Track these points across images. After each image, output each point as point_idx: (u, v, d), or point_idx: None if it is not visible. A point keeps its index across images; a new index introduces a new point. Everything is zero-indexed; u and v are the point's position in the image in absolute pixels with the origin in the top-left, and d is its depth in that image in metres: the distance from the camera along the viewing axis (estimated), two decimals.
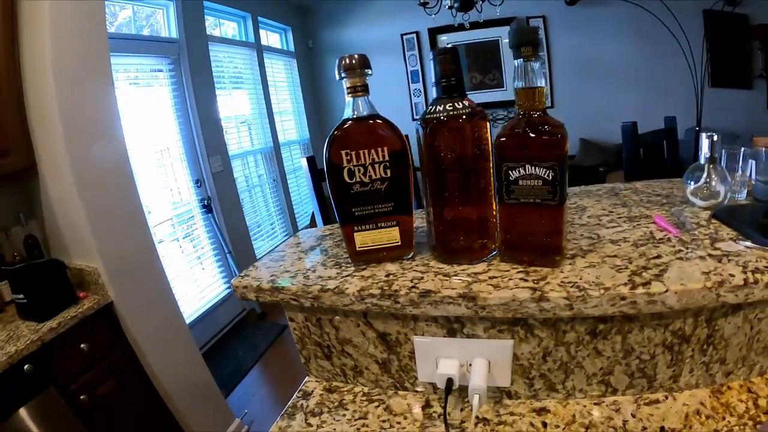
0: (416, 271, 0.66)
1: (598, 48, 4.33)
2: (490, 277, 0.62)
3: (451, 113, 0.61)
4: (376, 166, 0.64)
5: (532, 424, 0.63)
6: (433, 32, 4.75)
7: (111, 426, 1.60)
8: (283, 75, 4.63)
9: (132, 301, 1.71)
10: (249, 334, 3.27)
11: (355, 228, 0.68)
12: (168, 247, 2.89)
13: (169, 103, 3.07)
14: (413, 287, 0.61)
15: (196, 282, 3.11)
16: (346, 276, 0.68)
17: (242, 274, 0.75)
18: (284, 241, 0.92)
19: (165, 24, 3.12)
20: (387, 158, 0.64)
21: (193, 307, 3.03)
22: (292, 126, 4.72)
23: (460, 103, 0.61)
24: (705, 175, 0.79)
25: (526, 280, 0.59)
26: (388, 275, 0.66)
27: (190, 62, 3.17)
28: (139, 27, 3.00)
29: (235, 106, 3.76)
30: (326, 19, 5.02)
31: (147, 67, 2.94)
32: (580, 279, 0.57)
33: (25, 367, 1.30)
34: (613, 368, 0.62)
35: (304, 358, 0.81)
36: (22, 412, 1.29)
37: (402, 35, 4.87)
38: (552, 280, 0.58)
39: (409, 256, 0.71)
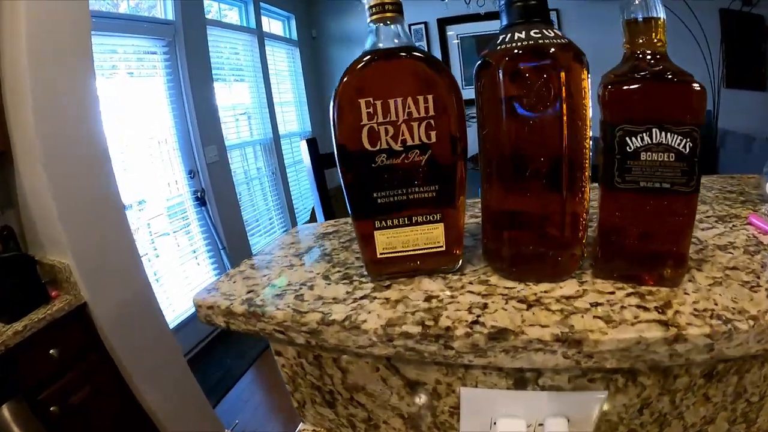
0: (473, 292, 0.43)
1: (613, 43, 4.11)
2: (591, 305, 0.39)
3: (539, 42, 0.38)
4: (414, 125, 0.41)
5: None
6: (443, 23, 4.52)
7: None
8: (285, 64, 4.40)
9: (108, 302, 1.56)
10: (238, 340, 3.04)
11: (377, 223, 0.44)
12: (157, 242, 2.68)
13: (162, 87, 2.85)
14: (476, 322, 0.37)
15: (186, 279, 2.89)
16: (361, 298, 0.44)
17: (208, 288, 0.52)
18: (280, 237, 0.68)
19: (161, 4, 2.89)
20: (431, 113, 0.41)
21: (183, 307, 2.81)
22: (294, 117, 4.50)
23: (550, 31, 0.39)
24: None
25: (647, 309, 0.39)
26: (428, 299, 0.42)
27: (187, 46, 2.95)
28: (134, 7, 2.78)
29: (233, 94, 3.55)
30: (331, 8, 4.79)
31: (139, 48, 2.72)
32: (716, 305, 0.39)
33: None
34: (716, 415, 0.47)
35: (297, 402, 0.59)
36: (5, 410, 1.21)
37: (410, 26, 4.63)
38: (680, 307, 0.39)
39: (456, 269, 0.48)
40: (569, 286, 0.43)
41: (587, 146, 0.42)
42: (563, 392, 0.44)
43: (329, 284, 0.47)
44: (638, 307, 0.39)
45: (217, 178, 3.18)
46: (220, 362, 2.77)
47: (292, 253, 0.60)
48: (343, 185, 0.44)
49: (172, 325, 2.48)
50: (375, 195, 0.43)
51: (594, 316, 0.37)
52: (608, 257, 0.44)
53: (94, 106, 1.56)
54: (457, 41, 4.32)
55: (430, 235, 0.44)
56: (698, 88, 0.37)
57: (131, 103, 2.57)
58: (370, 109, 0.41)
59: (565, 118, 0.40)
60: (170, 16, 2.91)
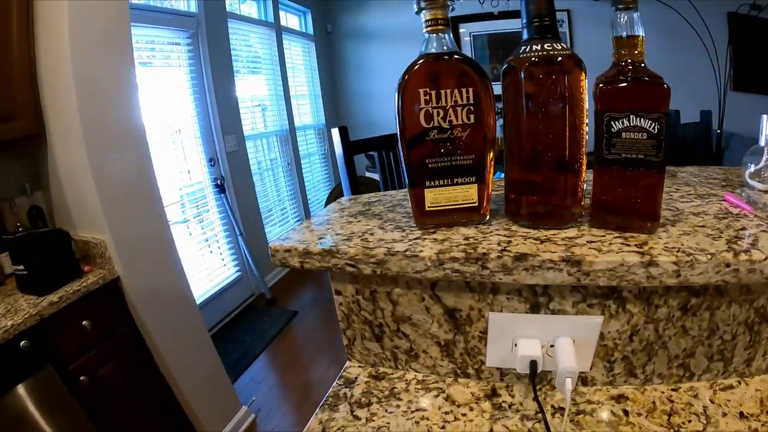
0: (499, 235, 0.56)
1: None
2: (587, 242, 0.52)
3: (551, 53, 0.51)
4: (459, 109, 0.54)
5: (613, 413, 0.57)
6: (456, 20, 4.61)
7: (111, 409, 1.50)
8: (300, 58, 4.52)
9: (140, 278, 1.62)
10: (257, 320, 3.17)
11: (428, 182, 0.57)
12: (178, 226, 2.81)
13: (185, 77, 2.97)
14: (504, 250, 0.51)
15: (205, 263, 3.03)
16: (415, 239, 0.57)
17: (282, 237, 0.65)
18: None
19: None
20: (471, 101, 0.54)
21: (202, 289, 2.94)
22: (308, 110, 4.62)
23: (558, 45, 0.52)
24: (765, 157, 0.74)
25: (628, 245, 0.52)
26: (467, 238, 0.56)
27: (209, 37, 3.07)
28: None
29: (251, 85, 3.66)
30: (346, 4, 4.89)
31: (164, 39, 2.84)
32: (682, 245, 0.51)
33: (22, 343, 1.20)
34: (695, 350, 0.58)
35: (348, 338, 0.72)
36: (21, 390, 1.21)
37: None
38: (654, 245, 0.51)
39: (484, 221, 0.61)
40: (571, 232, 0.56)
41: (584, 130, 0.55)
42: (569, 315, 0.56)
43: (386, 232, 0.61)
44: (622, 244, 0.52)
45: (236, 167, 3.30)
46: (227, 348, 2.84)
47: (347, 215, 0.74)
48: (402, 154, 0.57)
49: None
50: (427, 161, 0.56)
51: (589, 248, 0.50)
52: (600, 212, 0.57)
53: (133, 93, 1.60)
54: (469, 38, 4.41)
55: (466, 194, 0.57)
56: (665, 87, 0.51)
57: (156, 92, 2.67)
58: (427, 97, 0.54)
59: (567, 108, 0.53)
60: (193, 9, 3.03)
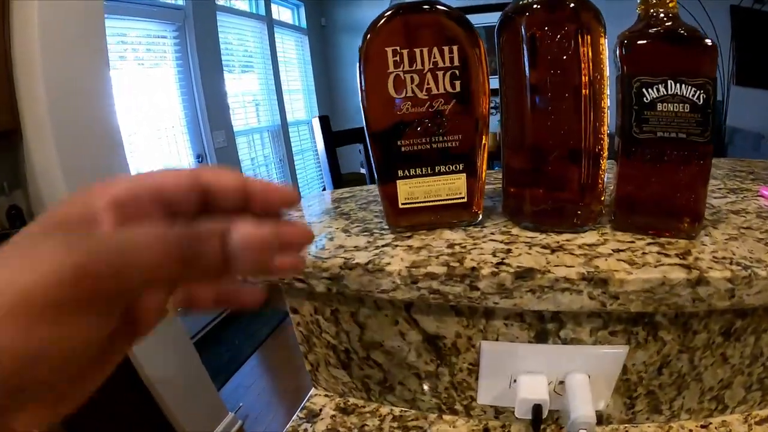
0: (495, 240, 0.42)
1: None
2: (613, 250, 0.39)
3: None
4: (440, 74, 0.41)
5: None
6: None
7: (87, 416, 1.39)
8: (294, 52, 4.39)
9: None
10: (249, 321, 3.05)
11: (400, 172, 0.44)
12: None
13: (171, 71, 2.85)
14: (502, 263, 0.37)
15: None
16: (383, 246, 0.44)
17: None
18: None
19: None
20: (456, 63, 0.41)
21: None
22: (302, 106, 4.49)
23: None
24: None
25: (668, 255, 0.39)
26: (451, 246, 0.42)
27: (197, 31, 2.95)
28: None
29: (241, 80, 3.54)
30: None
31: (150, 32, 2.71)
32: (734, 255, 0.39)
33: None
34: (733, 379, 0.48)
35: (311, 364, 0.59)
36: None
37: None
38: (699, 254, 0.39)
39: (476, 222, 0.47)
40: (589, 236, 0.42)
41: (606, 103, 0.42)
42: (584, 346, 0.43)
43: (349, 236, 0.47)
44: (659, 253, 0.39)
45: (225, 163, 3.17)
46: (216, 351, 2.75)
47: (309, 213, 0.60)
48: (366, 135, 0.44)
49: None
50: (399, 143, 0.42)
51: (617, 260, 0.37)
52: (627, 211, 0.44)
53: (107, 91, 1.57)
54: None
55: (452, 186, 0.44)
56: (710, 44, 0.39)
57: (141, 86, 2.56)
58: (397, 58, 0.40)
59: (585, 72, 0.40)
60: (180, 1, 2.91)
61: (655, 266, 0.36)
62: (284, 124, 3.99)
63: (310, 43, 4.62)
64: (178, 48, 2.88)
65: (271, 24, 3.86)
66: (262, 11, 3.79)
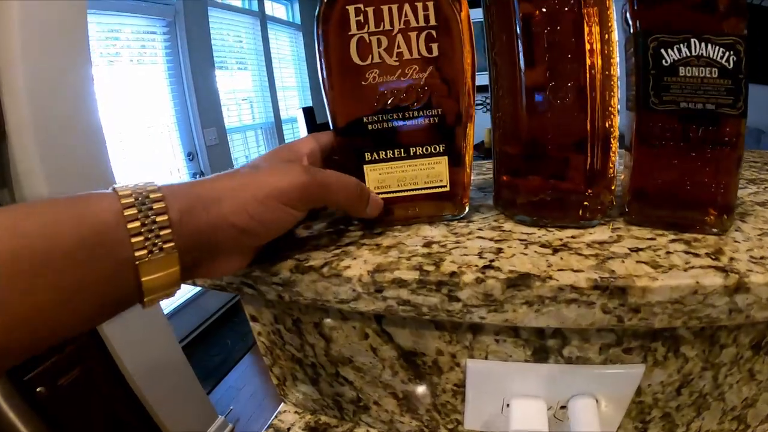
0: (483, 238, 0.34)
1: None
2: (630, 249, 0.31)
3: None
4: (412, 35, 0.33)
5: None
6: None
7: (75, 422, 1.43)
8: (288, 49, 4.31)
9: None
10: (241, 321, 2.99)
11: (367, 155, 0.36)
12: None
13: (161, 68, 2.78)
14: (489, 267, 0.29)
15: None
16: (347, 245, 0.36)
17: None
18: None
19: None
20: (433, 21, 0.33)
21: (181, 291, 2.74)
22: (296, 102, 4.41)
23: None
24: None
25: (697, 255, 0.31)
26: (428, 245, 0.34)
27: (188, 27, 2.88)
28: None
29: (233, 76, 3.46)
30: None
31: (139, 28, 2.64)
32: None
33: None
34: (758, 397, 0.41)
35: (277, 378, 0.51)
36: None
37: None
38: (734, 254, 0.31)
39: (462, 215, 0.40)
40: (600, 232, 0.34)
41: (615, 70, 0.34)
42: (592, 365, 0.36)
43: (309, 233, 0.39)
44: (687, 252, 0.31)
45: (217, 161, 3.10)
46: (208, 352, 2.70)
47: None
48: (328, 111, 0.36)
49: (167, 310, 2.43)
50: (365, 120, 0.35)
51: (637, 261, 0.29)
52: (644, 200, 0.36)
53: (89, 86, 1.54)
54: None
55: (431, 171, 0.36)
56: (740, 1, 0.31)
57: (130, 84, 2.50)
58: (360, 17, 0.33)
59: (589, 32, 0.33)
60: None
61: (685, 269, 0.28)
62: (278, 121, 3.91)
63: (305, 39, 4.54)
64: (168, 45, 2.81)
65: (264, 20, 3.78)
66: (255, 7, 3.72)
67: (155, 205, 0.24)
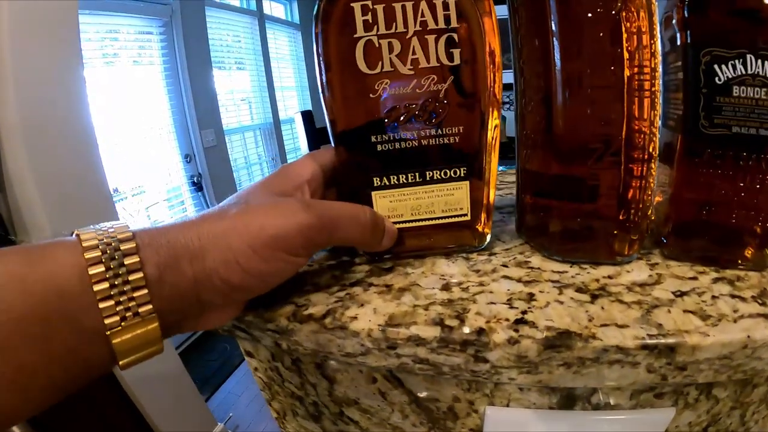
0: (510, 278, 0.30)
1: None
2: (675, 294, 0.27)
3: None
4: (429, 39, 0.29)
5: None
6: None
7: (69, 430, 1.38)
8: (287, 48, 4.27)
9: None
10: None
11: (376, 180, 0.32)
12: None
13: (158, 69, 2.73)
14: (522, 321, 0.25)
15: None
16: (352, 285, 0.31)
17: None
18: None
19: None
20: (455, 23, 0.29)
21: None
22: (295, 103, 4.36)
23: None
24: None
25: (743, 299, 0.27)
26: (447, 287, 0.30)
27: (184, 27, 2.84)
28: None
29: (231, 77, 3.42)
30: None
31: (135, 29, 2.59)
32: None
33: None
34: None
35: (276, 412, 0.47)
36: None
37: None
38: None
39: (483, 247, 0.35)
40: (638, 270, 0.30)
41: (658, 85, 0.30)
42: (621, 412, 0.32)
43: (311, 269, 0.35)
44: (732, 296, 0.27)
45: (215, 163, 3.06)
46: (206, 357, 2.66)
47: None
48: (329, 127, 0.32)
49: None
50: (373, 139, 0.31)
51: (684, 311, 0.25)
52: (686, 231, 0.32)
53: (80, 89, 1.50)
54: None
55: (450, 198, 0.32)
56: None
57: (126, 85, 2.46)
58: (368, 17, 0.28)
59: (631, 42, 0.28)
60: None
61: (734, 321, 0.24)
62: (277, 122, 3.87)
63: (304, 38, 4.49)
64: (164, 45, 2.77)
65: (262, 19, 3.74)
66: (254, 6, 3.68)
67: (127, 260, 0.20)
